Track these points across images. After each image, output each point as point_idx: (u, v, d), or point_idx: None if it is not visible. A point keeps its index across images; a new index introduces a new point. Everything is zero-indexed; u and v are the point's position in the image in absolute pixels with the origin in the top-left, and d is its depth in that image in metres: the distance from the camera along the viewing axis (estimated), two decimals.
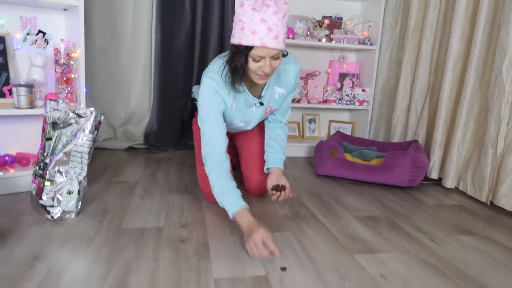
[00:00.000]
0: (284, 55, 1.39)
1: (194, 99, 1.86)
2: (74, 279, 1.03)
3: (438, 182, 2.14)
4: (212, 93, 1.42)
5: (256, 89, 1.52)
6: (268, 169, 1.63)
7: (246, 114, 1.57)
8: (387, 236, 1.42)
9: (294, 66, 1.55)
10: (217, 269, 1.12)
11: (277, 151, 1.65)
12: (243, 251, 1.24)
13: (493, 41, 1.83)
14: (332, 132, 2.90)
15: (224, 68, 1.40)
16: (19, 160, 1.73)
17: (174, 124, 2.66)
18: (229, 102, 1.46)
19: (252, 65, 1.30)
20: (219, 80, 1.40)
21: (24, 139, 1.83)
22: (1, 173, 1.61)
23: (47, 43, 1.85)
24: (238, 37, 1.28)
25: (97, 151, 2.49)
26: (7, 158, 1.71)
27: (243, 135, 1.82)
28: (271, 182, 1.56)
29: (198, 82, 2.74)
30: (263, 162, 1.67)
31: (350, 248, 1.30)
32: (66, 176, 1.42)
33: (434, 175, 2.13)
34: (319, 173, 2.17)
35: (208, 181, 1.42)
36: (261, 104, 1.55)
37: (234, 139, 1.89)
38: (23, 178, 1.66)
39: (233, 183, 1.39)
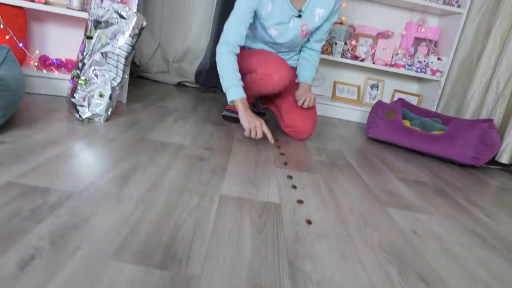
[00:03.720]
0: None
1: None
2: (78, 165, 0.98)
3: (508, 168, 1.84)
4: None
5: (298, 2, 1.55)
6: (299, 82, 1.72)
7: (283, 23, 1.58)
8: (432, 201, 1.22)
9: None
10: (228, 187, 1.02)
11: (309, 69, 1.72)
12: (261, 180, 1.12)
13: None
14: None
15: None
16: (65, 65, 1.74)
17: None
18: (266, 1, 1.49)
19: None
20: None
21: (75, 46, 1.83)
22: (45, 71, 1.62)
23: None
24: None
25: (147, 81, 2.49)
26: (55, 61, 1.72)
27: (282, 95, 1.73)
28: (299, 92, 1.65)
29: None
30: (304, 110, 1.67)
31: (384, 201, 1.13)
32: (99, 79, 1.39)
33: (504, 159, 1.83)
34: (369, 136, 1.96)
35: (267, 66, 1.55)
36: (299, 17, 1.57)
37: (274, 97, 1.77)
38: (65, 82, 1.66)
39: (239, 76, 1.49)
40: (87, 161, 1.02)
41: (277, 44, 1.68)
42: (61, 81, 1.66)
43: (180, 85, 2.56)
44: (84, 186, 0.87)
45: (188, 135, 1.44)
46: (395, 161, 1.64)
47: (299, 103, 1.61)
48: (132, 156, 1.12)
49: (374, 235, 0.89)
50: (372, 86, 2.60)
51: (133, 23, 1.38)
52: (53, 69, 1.68)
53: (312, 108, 1.68)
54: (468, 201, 1.29)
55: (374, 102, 2.60)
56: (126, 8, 1.39)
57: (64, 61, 1.79)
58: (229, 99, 1.48)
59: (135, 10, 1.69)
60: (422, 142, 1.79)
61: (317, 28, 1.65)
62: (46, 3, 1.65)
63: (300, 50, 1.80)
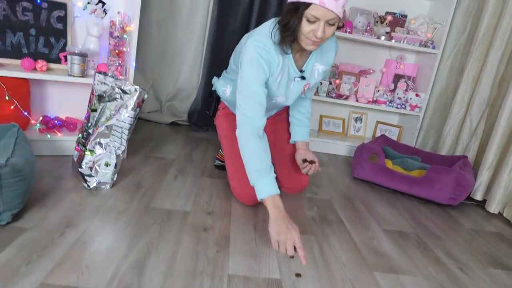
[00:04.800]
0: (339, 27, 1.31)
1: (215, 92, 1.78)
2: (98, 253, 1.09)
3: (482, 204, 2.01)
4: (258, 58, 1.31)
5: (298, 62, 1.46)
6: (295, 142, 1.69)
7: (287, 87, 1.49)
8: (413, 257, 1.36)
9: (335, 44, 1.55)
10: (233, 265, 1.14)
11: (303, 124, 1.69)
12: (261, 249, 1.24)
13: None
14: (378, 134, 2.79)
15: (274, 28, 1.32)
16: (67, 125, 1.83)
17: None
18: (276, 70, 1.37)
19: (305, 26, 1.23)
20: (268, 44, 1.32)
21: (74, 104, 1.92)
22: (49, 136, 1.71)
23: (106, 13, 1.90)
24: None
25: (141, 122, 2.58)
26: (56, 121, 1.81)
27: (271, 128, 1.73)
28: (299, 157, 1.64)
29: None
30: (294, 159, 1.68)
31: (371, 264, 1.27)
32: (105, 149, 1.49)
33: (478, 196, 2.00)
34: (355, 176, 2.11)
35: (243, 192, 1.49)
36: (303, 78, 1.48)
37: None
38: (68, 143, 1.75)
39: (270, 163, 1.31)
40: (105, 246, 1.12)
41: (273, 106, 1.62)
42: (64, 142, 1.75)
43: (173, 124, 2.66)
44: (107, 280, 0.98)
45: (190, 197, 1.55)
46: (380, 207, 1.79)
47: (304, 171, 1.58)
48: (143, 232, 1.22)
49: None
50: (356, 119, 2.76)
51: (135, 98, 1.48)
52: (56, 131, 1.76)
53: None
54: (445, 253, 1.44)
55: (359, 134, 2.76)
56: (128, 83, 1.49)
57: (64, 119, 1.88)
58: (258, 196, 1.28)
59: (132, 76, 1.79)
60: (404, 184, 1.95)
61: None
62: (48, 69, 1.74)
63: None
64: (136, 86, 1.48)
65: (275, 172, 1.33)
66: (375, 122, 2.82)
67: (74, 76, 1.70)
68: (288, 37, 1.29)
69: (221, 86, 1.72)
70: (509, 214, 1.83)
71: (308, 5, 1.19)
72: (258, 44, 1.31)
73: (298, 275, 1.14)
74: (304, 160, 1.63)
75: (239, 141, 1.34)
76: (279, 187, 1.32)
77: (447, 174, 1.86)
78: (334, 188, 1.93)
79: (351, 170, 2.18)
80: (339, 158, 2.52)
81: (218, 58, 2.59)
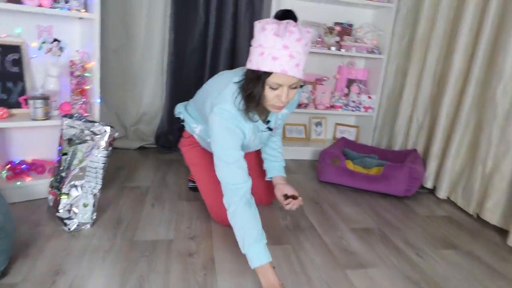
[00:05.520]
0: (300, 86, 1.32)
1: (181, 120, 1.83)
2: None
3: (432, 191, 2.24)
4: (229, 126, 1.32)
5: (262, 115, 1.48)
6: (271, 178, 1.65)
7: (256, 138, 1.51)
8: (377, 250, 1.53)
9: (300, 89, 1.50)
10: (222, 285, 1.24)
11: (277, 159, 1.67)
12: (246, 265, 1.35)
13: (492, 63, 1.88)
14: (338, 135, 2.99)
15: (237, 97, 1.32)
16: (35, 168, 1.83)
17: None
18: (248, 133, 1.40)
19: (268, 93, 1.24)
20: (234, 112, 1.31)
21: (39, 146, 1.91)
22: (19, 183, 1.71)
23: (62, 51, 1.91)
24: (256, 62, 1.21)
25: None
26: (23, 166, 1.81)
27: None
28: (279, 192, 1.58)
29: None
30: (262, 168, 1.71)
31: (342, 263, 1.42)
32: (81, 190, 1.54)
33: (429, 184, 2.23)
34: (321, 180, 2.27)
35: (222, 211, 1.40)
36: (270, 129, 1.53)
37: None
38: (39, 186, 1.75)
39: (261, 229, 1.27)
40: (98, 287, 1.19)
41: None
42: (34, 186, 1.75)
43: (140, 148, 2.71)
44: None
45: (170, 224, 1.64)
46: (345, 207, 1.95)
47: (287, 208, 1.52)
48: (132, 267, 1.30)
49: None
50: (317, 124, 2.93)
51: (106, 138, 1.54)
52: (24, 176, 1.76)
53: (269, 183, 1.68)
54: (404, 242, 1.62)
55: (320, 137, 2.94)
56: (97, 124, 1.55)
57: (31, 162, 1.87)
58: (250, 265, 1.23)
59: (98, 112, 1.84)
60: (365, 183, 2.13)
61: None
62: (9, 115, 1.73)
63: None
64: (106, 127, 1.54)
65: None
66: (334, 125, 3.01)
67: (38, 120, 1.70)
68: (254, 106, 1.30)
69: (191, 122, 1.75)
70: (455, 198, 2.06)
71: (269, 74, 1.20)
72: (225, 114, 1.31)
73: (281, 285, 1.26)
74: (286, 196, 1.56)
75: (229, 211, 1.30)
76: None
77: (400, 169, 2.06)
78: (303, 194, 2.07)
79: (317, 174, 2.34)
80: (305, 162, 2.67)
81: (180, 79, 2.66)
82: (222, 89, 1.36)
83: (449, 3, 2.21)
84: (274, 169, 1.66)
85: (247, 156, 1.69)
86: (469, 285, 1.34)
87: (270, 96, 1.25)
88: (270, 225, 1.69)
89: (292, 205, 1.52)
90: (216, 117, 1.32)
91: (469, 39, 2.03)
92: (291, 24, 1.18)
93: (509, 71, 1.74)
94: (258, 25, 1.21)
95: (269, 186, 1.70)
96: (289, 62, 1.17)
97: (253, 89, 1.25)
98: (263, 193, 1.79)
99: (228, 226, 1.62)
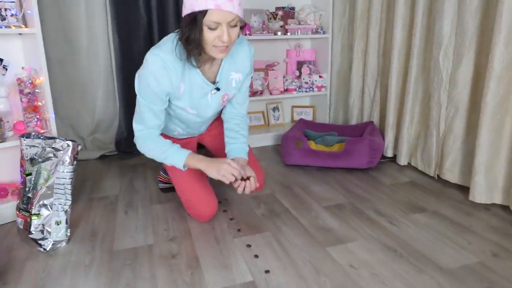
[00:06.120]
0: (241, 27, 1.30)
1: None
2: None
3: (393, 159, 2.37)
4: (158, 68, 1.33)
5: (209, 73, 1.44)
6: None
7: (200, 103, 1.48)
8: (352, 224, 1.62)
9: (248, 48, 1.50)
10: (210, 280, 1.27)
11: (238, 141, 1.58)
12: (229, 258, 1.39)
13: (431, 31, 2.00)
14: (296, 117, 3.06)
15: (176, 44, 1.31)
16: None
17: None
18: (176, 81, 1.37)
19: (208, 34, 1.22)
20: (165, 57, 1.31)
21: None
22: None
23: (6, 69, 1.83)
24: (190, 5, 1.20)
25: None
26: None
27: (210, 135, 1.80)
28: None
29: None
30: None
31: (322, 241, 1.49)
32: (52, 208, 1.49)
33: (389, 153, 2.36)
34: (287, 163, 2.33)
35: (196, 207, 1.59)
36: (217, 89, 1.47)
37: (203, 142, 1.87)
38: (5, 210, 1.69)
39: (169, 141, 1.46)
40: None
41: (198, 122, 1.63)
42: (0, 211, 1.69)
43: (101, 157, 2.64)
44: None
45: (147, 228, 1.63)
46: (315, 186, 2.03)
47: (239, 191, 1.44)
48: (117, 277, 1.30)
49: (327, 282, 1.24)
50: (274, 109, 2.98)
51: (69, 153, 1.50)
52: None
53: (254, 168, 1.58)
54: (375, 212, 1.72)
55: (279, 122, 3.00)
56: (58, 140, 1.50)
57: None
58: (180, 167, 1.43)
59: (54, 127, 1.78)
60: (329, 160, 2.22)
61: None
62: None
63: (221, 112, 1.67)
64: (68, 141, 1.50)
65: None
66: (290, 107, 3.08)
67: None
68: (193, 49, 1.28)
69: (169, 132, 1.70)
70: (415, 163, 2.20)
71: (204, 12, 1.18)
72: (156, 59, 1.32)
73: (267, 271, 1.31)
74: (242, 178, 1.46)
75: (140, 149, 1.49)
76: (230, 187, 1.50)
77: (361, 143, 2.16)
78: (273, 181, 2.13)
79: (282, 159, 2.40)
80: (268, 148, 2.73)
81: (131, 82, 2.60)
82: (158, 43, 1.38)
83: None
84: (234, 151, 1.57)
85: (221, 147, 1.67)
86: (441, 243, 1.45)
87: (210, 37, 1.23)
88: (246, 216, 1.73)
89: (241, 188, 1.43)
90: (145, 62, 1.35)
91: (406, 11, 2.14)
92: None
93: (446, 36, 1.86)
94: None
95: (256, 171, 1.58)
96: None
97: (191, 32, 1.23)
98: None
99: (207, 222, 1.64)
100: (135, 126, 1.48)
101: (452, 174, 1.95)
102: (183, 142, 1.68)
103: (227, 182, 1.39)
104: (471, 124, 1.85)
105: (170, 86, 1.38)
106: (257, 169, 1.66)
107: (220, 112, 1.70)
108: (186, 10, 1.24)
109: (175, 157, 1.45)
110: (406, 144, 2.22)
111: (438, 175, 2.04)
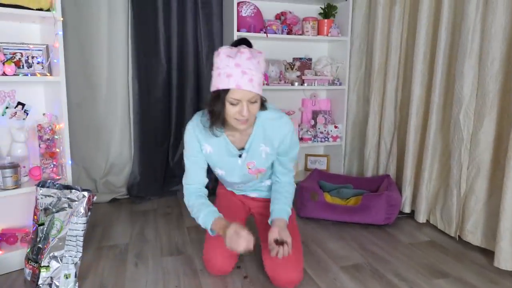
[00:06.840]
0: (263, 101, 1.45)
1: None
2: None
3: (411, 215, 2.30)
4: (190, 133, 1.54)
5: (239, 141, 1.54)
6: (272, 221, 1.53)
7: (228, 163, 1.58)
8: (371, 287, 1.54)
9: (284, 125, 1.52)
10: None
11: (281, 202, 1.57)
12: None
13: (450, 90, 2.00)
14: (309, 165, 3.03)
15: (202, 116, 1.53)
16: (6, 239, 1.72)
17: (156, 173, 2.70)
18: (203, 143, 1.55)
19: (230, 109, 1.36)
20: (197, 122, 1.53)
21: (9, 215, 1.81)
22: None
23: (27, 114, 1.85)
24: (215, 83, 1.36)
25: None
26: None
27: (258, 211, 1.78)
28: (272, 235, 1.43)
29: (176, 129, 2.82)
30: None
31: None
32: (61, 261, 1.45)
33: (407, 209, 2.29)
34: (301, 216, 2.28)
35: (212, 260, 1.60)
36: (239, 156, 1.56)
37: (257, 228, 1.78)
38: (12, 258, 1.65)
39: (207, 203, 1.56)
40: None
41: (233, 183, 1.70)
42: (7, 259, 1.64)
43: (112, 200, 2.61)
44: None
45: (158, 283, 1.57)
46: (331, 243, 1.96)
47: (272, 254, 1.40)
48: None
49: None
50: None
51: (84, 204, 1.48)
52: None
53: (295, 250, 1.48)
54: (395, 275, 1.64)
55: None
56: (74, 191, 1.49)
57: (1, 233, 1.76)
58: (208, 231, 1.52)
59: (70, 173, 1.76)
60: (345, 215, 2.16)
61: (276, 161, 1.61)
62: None
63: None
64: (84, 192, 1.49)
65: (262, 255, 1.58)
66: (304, 155, 3.06)
67: (8, 189, 1.63)
68: (216, 121, 1.42)
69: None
70: (434, 221, 2.13)
71: (227, 91, 1.33)
72: (190, 124, 1.55)
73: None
74: (276, 241, 1.42)
75: (187, 205, 1.60)
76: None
77: (378, 198, 2.11)
78: None
79: (297, 211, 2.34)
80: None
81: (147, 127, 2.64)
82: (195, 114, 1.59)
83: (399, 35, 2.36)
84: (276, 211, 1.55)
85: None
86: None
87: (232, 111, 1.37)
88: (261, 274, 1.66)
89: (274, 253, 1.40)
90: (185, 131, 1.57)
91: (425, 68, 2.16)
92: (243, 47, 1.35)
93: (467, 96, 1.85)
94: (215, 52, 1.37)
95: (289, 266, 1.50)
96: (242, 78, 1.31)
97: (215, 106, 1.38)
98: (282, 275, 1.51)
99: (219, 279, 1.57)
100: (183, 180, 1.63)
101: (474, 237, 1.87)
102: (232, 211, 1.73)
103: (240, 251, 1.39)
104: (493, 186, 1.80)
105: (198, 148, 1.56)
106: (294, 236, 1.54)
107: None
108: (212, 87, 1.39)
109: (205, 220, 1.52)
110: (425, 201, 2.16)
111: (459, 236, 1.97)
